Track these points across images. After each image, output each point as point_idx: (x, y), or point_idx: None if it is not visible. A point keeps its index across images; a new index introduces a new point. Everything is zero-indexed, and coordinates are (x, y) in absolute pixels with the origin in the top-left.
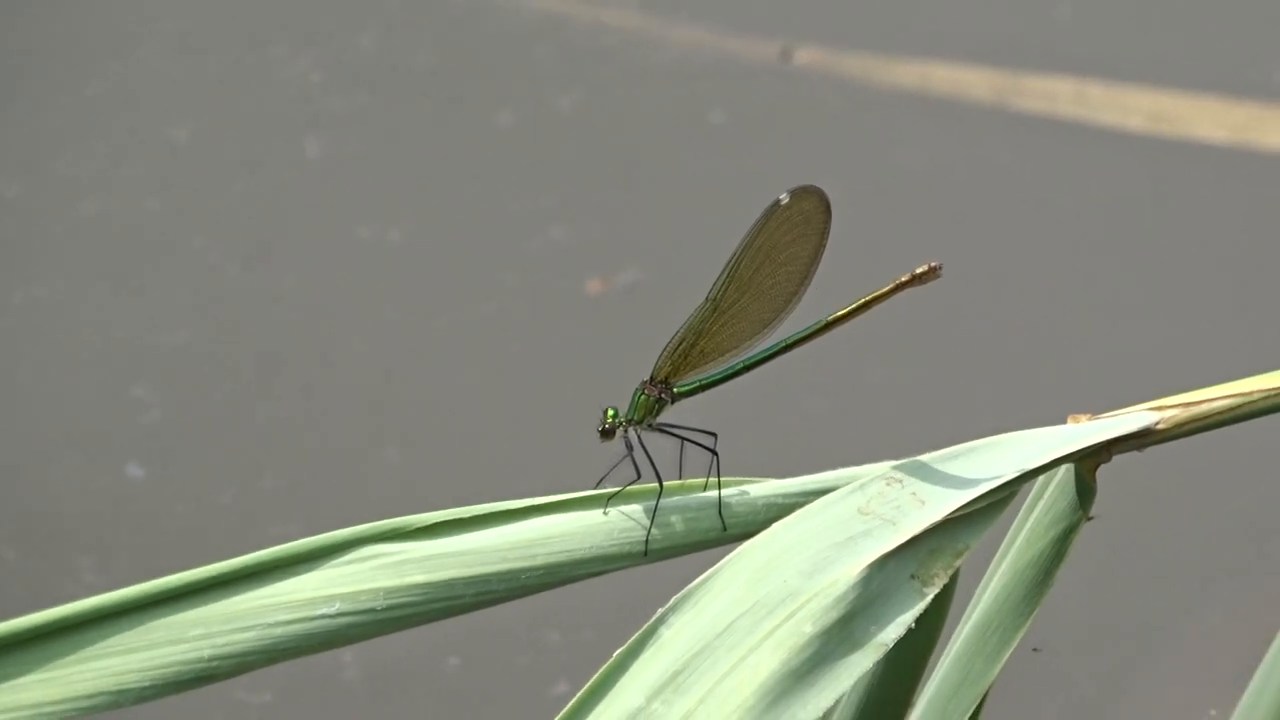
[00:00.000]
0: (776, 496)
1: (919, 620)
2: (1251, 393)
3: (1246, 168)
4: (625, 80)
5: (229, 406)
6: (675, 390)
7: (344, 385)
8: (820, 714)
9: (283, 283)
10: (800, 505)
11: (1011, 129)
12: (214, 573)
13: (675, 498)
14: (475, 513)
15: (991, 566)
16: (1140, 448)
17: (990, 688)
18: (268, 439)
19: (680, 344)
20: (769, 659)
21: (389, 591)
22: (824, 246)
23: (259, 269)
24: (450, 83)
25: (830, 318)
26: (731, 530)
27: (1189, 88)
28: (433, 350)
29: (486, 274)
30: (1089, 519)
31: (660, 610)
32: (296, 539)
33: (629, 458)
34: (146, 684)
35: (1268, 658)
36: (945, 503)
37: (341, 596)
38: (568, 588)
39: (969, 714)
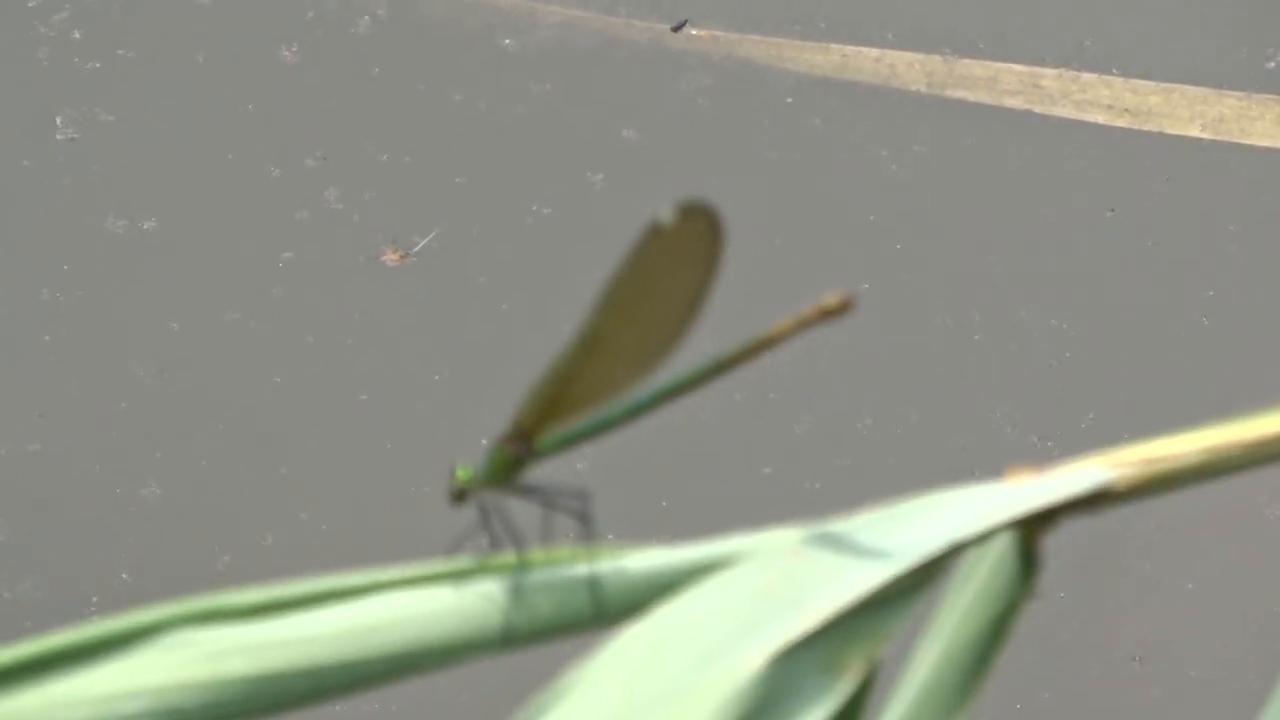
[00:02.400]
0: (661, 573)
1: (833, 719)
2: (1222, 445)
3: (1225, 166)
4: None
5: None
6: (539, 446)
7: (109, 405)
8: None
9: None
10: (690, 583)
11: (948, 120)
12: None
13: (540, 573)
14: (305, 592)
15: (919, 653)
16: (1093, 511)
17: None
18: None
19: (545, 390)
20: None
21: (203, 686)
22: (715, 274)
23: None
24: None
25: (722, 358)
26: (608, 612)
27: (1159, 78)
28: (216, 350)
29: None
30: (1034, 596)
31: (519, 715)
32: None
33: (484, 525)
34: None
35: None
36: (861, 580)
37: (147, 691)
38: (415, 681)
39: None
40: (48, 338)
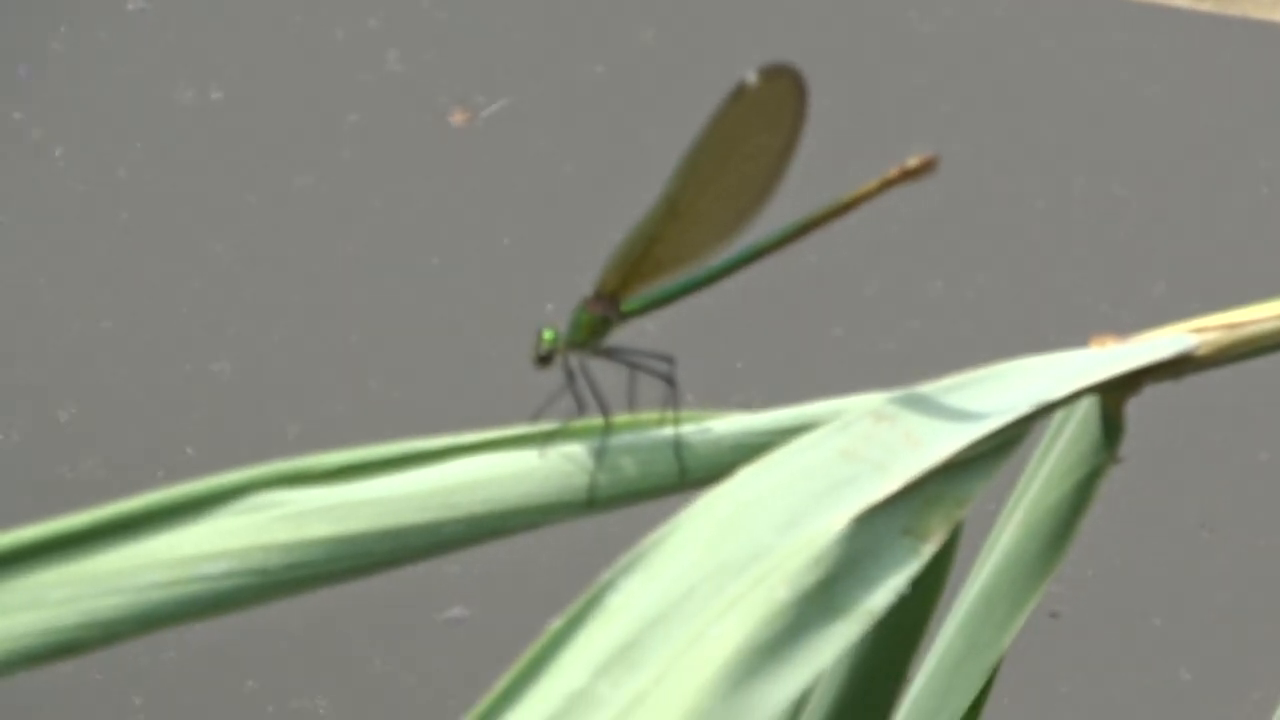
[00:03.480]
0: (745, 435)
1: (914, 583)
2: None
3: None
4: None
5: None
6: (624, 308)
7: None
8: (796, 694)
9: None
10: (773, 446)
11: (1057, 9)
12: (77, 525)
13: (625, 436)
14: (388, 454)
15: (1001, 518)
16: (1177, 377)
17: (1002, 659)
18: (72, 359)
19: (629, 252)
20: (735, 630)
21: (286, 548)
22: (799, 137)
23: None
24: None
25: (806, 219)
26: (692, 475)
27: None
28: (287, 221)
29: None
30: (1117, 461)
31: (607, 573)
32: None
33: (569, 388)
34: None
35: None
36: (945, 443)
37: (229, 553)
38: (497, 544)
39: (977, 691)
40: (125, 215)
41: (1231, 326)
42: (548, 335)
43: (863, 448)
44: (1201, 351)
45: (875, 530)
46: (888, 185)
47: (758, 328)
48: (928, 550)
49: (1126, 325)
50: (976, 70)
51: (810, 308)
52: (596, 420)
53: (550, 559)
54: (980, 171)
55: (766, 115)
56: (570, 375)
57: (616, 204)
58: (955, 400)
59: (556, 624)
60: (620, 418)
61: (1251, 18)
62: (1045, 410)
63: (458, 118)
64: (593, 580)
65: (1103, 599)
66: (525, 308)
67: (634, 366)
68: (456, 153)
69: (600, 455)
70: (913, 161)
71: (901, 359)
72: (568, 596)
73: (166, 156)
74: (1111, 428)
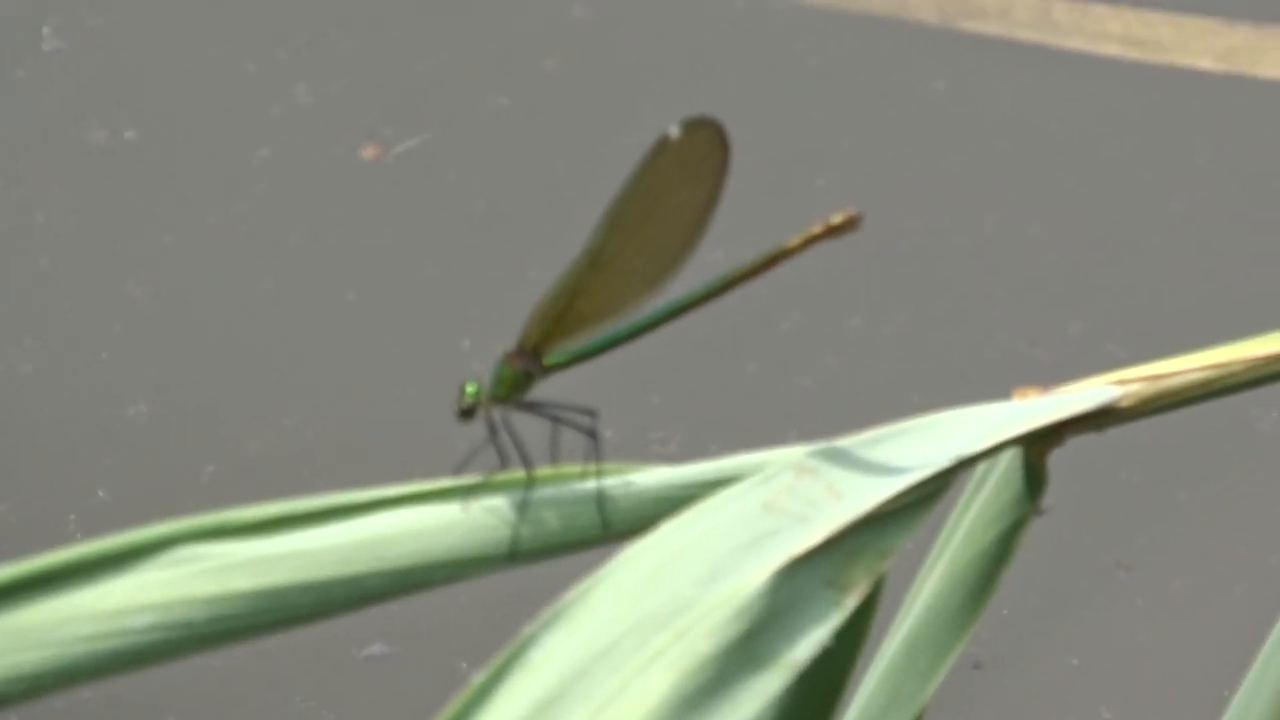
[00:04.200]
0: (667, 488)
1: (838, 635)
2: (1230, 363)
3: (1235, 98)
4: None
5: None
6: (546, 362)
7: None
8: None
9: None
10: (695, 499)
11: (960, 54)
12: (1, 579)
13: (548, 489)
14: (310, 508)
15: (924, 570)
16: (1099, 429)
17: (925, 710)
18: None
19: (552, 306)
20: (659, 683)
21: (210, 601)
22: (722, 190)
23: None
24: None
25: (730, 275)
26: (615, 528)
27: (1170, 9)
28: (203, 260)
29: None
30: (1040, 513)
31: (529, 626)
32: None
33: (492, 441)
34: None
35: (1258, 663)
36: (867, 496)
37: (153, 607)
38: (423, 596)
39: None
40: (44, 261)
41: (1154, 378)
42: (470, 389)
43: (785, 501)
44: (1124, 403)
45: (798, 583)
46: (812, 241)
47: (673, 362)
48: (850, 603)
49: (1044, 363)
50: (889, 111)
51: (727, 342)
52: (519, 473)
53: (472, 596)
54: (896, 208)
55: (689, 168)
56: (493, 429)
57: (528, 239)
58: (878, 453)
59: (479, 678)
60: (543, 471)
61: (1173, 64)
62: (968, 463)
63: (369, 152)
64: (515, 616)
65: (1021, 639)
66: (442, 343)
67: (556, 420)
68: (370, 187)
69: (523, 509)
70: (837, 218)
71: (819, 395)
72: (490, 634)
73: (83, 199)
74: (1034, 479)
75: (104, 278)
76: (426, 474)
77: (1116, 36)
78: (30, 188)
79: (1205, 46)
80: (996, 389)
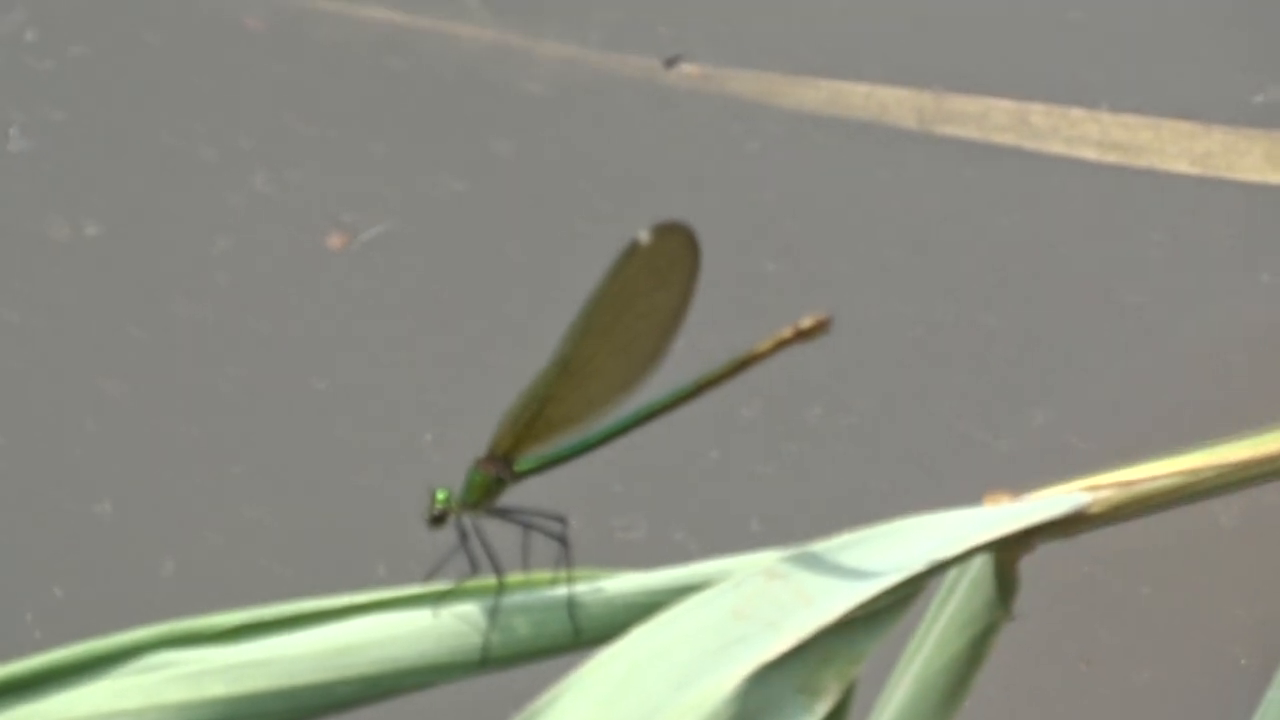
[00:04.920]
0: (638, 595)
1: None
2: (1200, 469)
3: (1213, 200)
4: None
5: None
6: (517, 468)
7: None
8: None
9: None
10: (665, 605)
11: (938, 157)
12: None
13: (519, 595)
14: (282, 614)
15: (895, 674)
16: (1069, 535)
17: None
18: None
19: (522, 412)
20: None
21: (182, 707)
22: (692, 292)
23: None
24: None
25: (701, 379)
26: (585, 635)
27: (1149, 112)
28: (172, 352)
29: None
30: (1011, 619)
31: None
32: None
33: (463, 547)
34: None
35: None
36: (838, 601)
37: (125, 713)
38: (389, 703)
39: None
40: (15, 362)
41: (1125, 484)
42: (440, 495)
43: (755, 606)
44: (1094, 509)
45: (769, 688)
46: (782, 345)
47: (634, 449)
48: (822, 708)
49: (1006, 455)
50: (860, 209)
51: (688, 430)
52: (490, 580)
53: (442, 701)
54: (855, 300)
55: (659, 273)
56: (464, 535)
57: (495, 327)
58: (848, 558)
59: None
60: (514, 577)
61: (1151, 168)
62: (939, 568)
63: (335, 241)
64: (484, 717)
65: None
66: (408, 432)
67: (527, 526)
68: (337, 275)
69: (494, 615)
70: (806, 322)
71: (779, 482)
72: None
73: (50, 297)
74: (1005, 584)
75: (76, 373)
76: (388, 564)
77: (1094, 140)
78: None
79: (1181, 150)
80: (960, 480)
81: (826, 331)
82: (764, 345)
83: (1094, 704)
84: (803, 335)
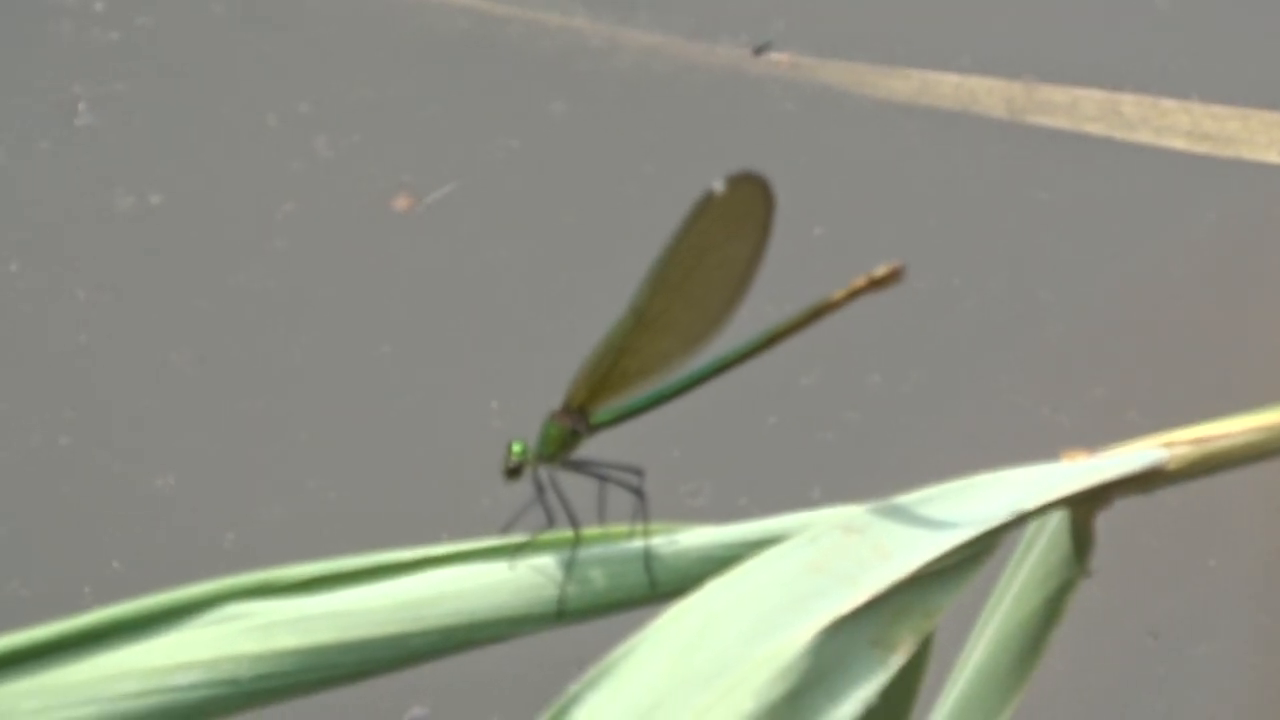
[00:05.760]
0: (714, 548)
1: (883, 694)
2: (1273, 426)
3: None
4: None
5: None
6: (592, 421)
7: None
8: None
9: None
10: (741, 558)
11: (1028, 145)
12: (48, 635)
13: (595, 548)
14: (356, 566)
15: (974, 631)
16: (1146, 490)
17: None
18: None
19: (598, 364)
20: None
21: (255, 659)
22: (766, 244)
23: None
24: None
25: (775, 329)
26: (661, 587)
27: (1238, 102)
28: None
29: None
30: (1088, 575)
31: (573, 687)
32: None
33: (539, 500)
34: None
35: None
36: (914, 555)
37: (199, 664)
38: (464, 655)
39: None
40: (83, 337)
41: (1201, 441)
42: (516, 448)
43: (832, 560)
44: (1172, 466)
45: (843, 642)
46: (855, 294)
47: (693, 415)
48: (896, 662)
49: (1066, 428)
50: (907, 178)
51: (746, 396)
52: (566, 532)
53: (513, 654)
54: (914, 270)
55: (733, 223)
56: (540, 487)
57: (564, 288)
58: (926, 512)
59: None
60: (590, 530)
61: (1239, 157)
62: (1015, 523)
63: (401, 203)
64: (557, 677)
65: (1048, 706)
66: (476, 397)
67: (603, 479)
68: (401, 238)
69: (570, 568)
70: (880, 270)
71: (838, 449)
72: (531, 694)
73: (116, 270)
74: (1081, 541)
75: (144, 347)
76: (452, 533)
77: (1183, 130)
78: (64, 263)
79: (1271, 139)
80: (1020, 453)
81: (899, 280)
82: (838, 294)
83: (1160, 677)
84: (876, 284)
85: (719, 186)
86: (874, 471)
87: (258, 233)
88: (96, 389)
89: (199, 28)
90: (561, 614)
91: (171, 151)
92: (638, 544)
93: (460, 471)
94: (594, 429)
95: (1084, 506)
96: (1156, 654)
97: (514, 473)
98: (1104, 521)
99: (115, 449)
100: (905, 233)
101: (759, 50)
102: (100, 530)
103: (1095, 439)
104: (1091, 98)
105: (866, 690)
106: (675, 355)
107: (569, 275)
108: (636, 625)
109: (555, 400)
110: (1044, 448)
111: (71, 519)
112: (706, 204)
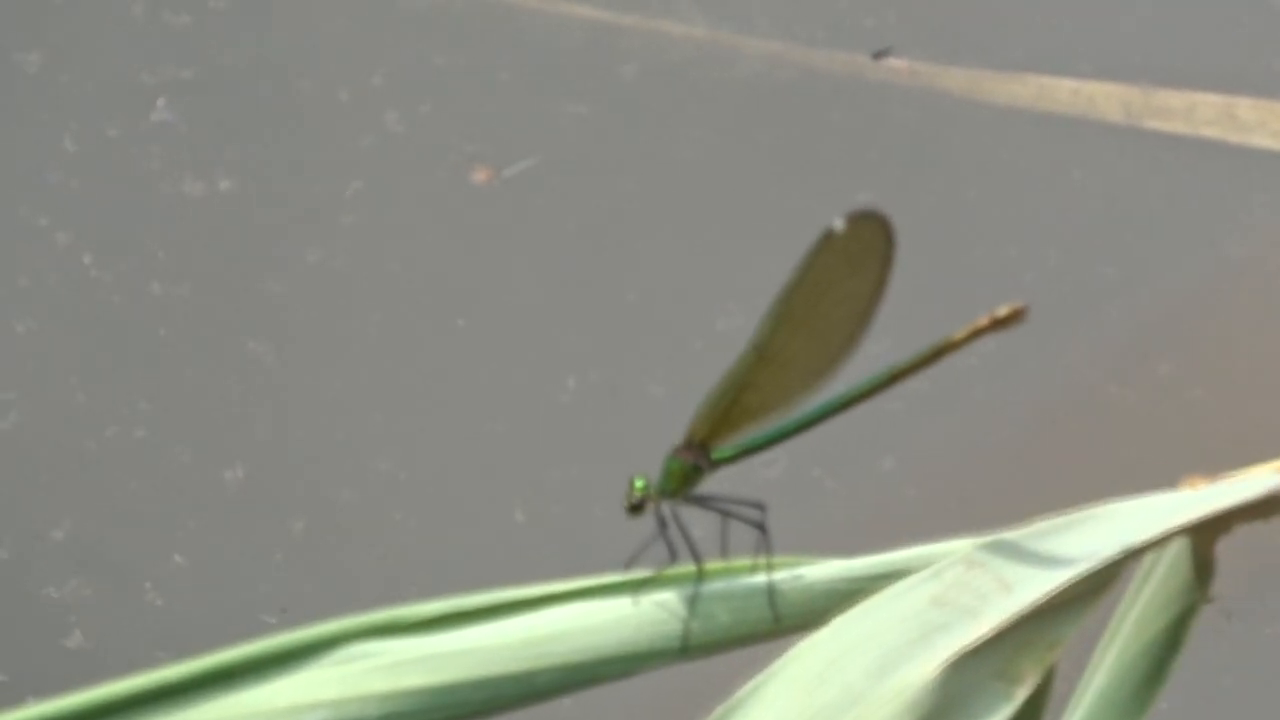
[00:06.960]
0: (837, 581)
1: None
2: None
3: None
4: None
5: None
6: (714, 456)
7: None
8: None
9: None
10: (865, 592)
11: (1147, 150)
12: (177, 676)
13: (718, 583)
14: (481, 604)
15: (1094, 660)
16: (1267, 517)
17: None
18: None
19: (719, 400)
20: None
21: (382, 698)
22: (888, 280)
23: None
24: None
25: (897, 367)
26: (785, 622)
27: None
28: (316, 301)
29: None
30: (1209, 601)
31: None
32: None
33: (662, 536)
34: None
35: None
36: (1036, 587)
37: (326, 704)
38: (590, 691)
39: None
40: (162, 331)
41: None
42: (639, 484)
43: (954, 594)
44: None
45: (968, 675)
46: (977, 334)
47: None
48: (1020, 694)
49: (1134, 405)
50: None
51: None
52: (689, 567)
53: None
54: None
55: (853, 260)
56: (663, 523)
57: (644, 263)
58: (1046, 545)
59: None
60: (713, 564)
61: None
62: (1135, 552)
63: (480, 176)
64: (685, 713)
65: None
66: (553, 374)
67: (725, 513)
68: (475, 212)
69: (694, 602)
70: (1003, 310)
71: (909, 418)
72: None
73: (190, 259)
74: (1202, 567)
75: (220, 337)
76: (525, 511)
77: None
78: (140, 255)
79: None
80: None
81: (1022, 320)
82: (959, 334)
83: (1229, 656)
84: (999, 324)
85: (839, 224)
86: (945, 443)
87: (330, 210)
88: (178, 384)
89: (268, 7)
90: (685, 649)
91: (240, 135)
92: (761, 578)
93: (533, 448)
94: (715, 465)
95: (1204, 534)
96: (1230, 635)
97: (636, 509)
98: None
99: (187, 443)
100: (1020, 239)
101: (878, 56)
102: (164, 524)
103: (1158, 416)
104: (1208, 101)
105: None
106: (796, 391)
107: (660, 263)
108: (762, 659)
109: (631, 379)
110: (1113, 426)
111: (135, 514)
112: (826, 241)
